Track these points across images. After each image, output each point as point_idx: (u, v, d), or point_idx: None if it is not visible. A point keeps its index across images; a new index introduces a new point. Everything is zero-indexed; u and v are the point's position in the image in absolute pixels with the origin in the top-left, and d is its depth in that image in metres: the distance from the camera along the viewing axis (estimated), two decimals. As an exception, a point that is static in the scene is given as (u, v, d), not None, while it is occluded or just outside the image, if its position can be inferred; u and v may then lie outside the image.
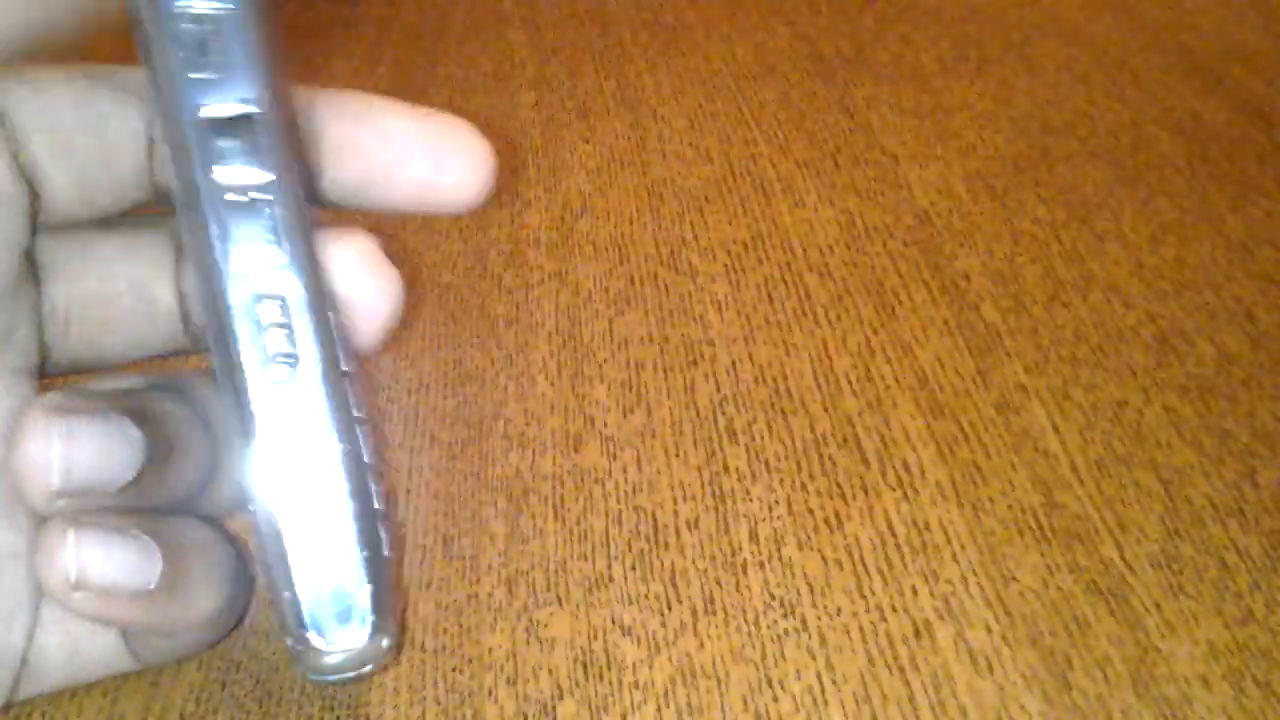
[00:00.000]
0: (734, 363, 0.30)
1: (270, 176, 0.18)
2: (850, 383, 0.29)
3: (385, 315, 0.20)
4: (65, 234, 0.20)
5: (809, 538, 0.25)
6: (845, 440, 0.27)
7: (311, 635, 0.19)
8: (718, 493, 0.26)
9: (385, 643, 0.19)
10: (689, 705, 0.22)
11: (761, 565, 0.24)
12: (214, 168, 0.18)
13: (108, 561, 0.18)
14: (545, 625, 0.23)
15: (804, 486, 0.26)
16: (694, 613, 0.23)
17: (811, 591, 0.24)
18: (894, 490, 0.26)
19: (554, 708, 0.22)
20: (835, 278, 0.33)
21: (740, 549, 0.25)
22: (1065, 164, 0.38)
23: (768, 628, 0.23)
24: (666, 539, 0.25)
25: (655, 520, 0.26)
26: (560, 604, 0.24)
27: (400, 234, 0.36)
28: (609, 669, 0.22)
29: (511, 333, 0.31)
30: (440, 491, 0.27)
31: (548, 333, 0.31)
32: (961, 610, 0.23)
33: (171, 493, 0.20)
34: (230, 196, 0.18)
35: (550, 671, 0.22)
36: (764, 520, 0.25)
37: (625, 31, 0.49)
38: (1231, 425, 0.27)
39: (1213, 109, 0.40)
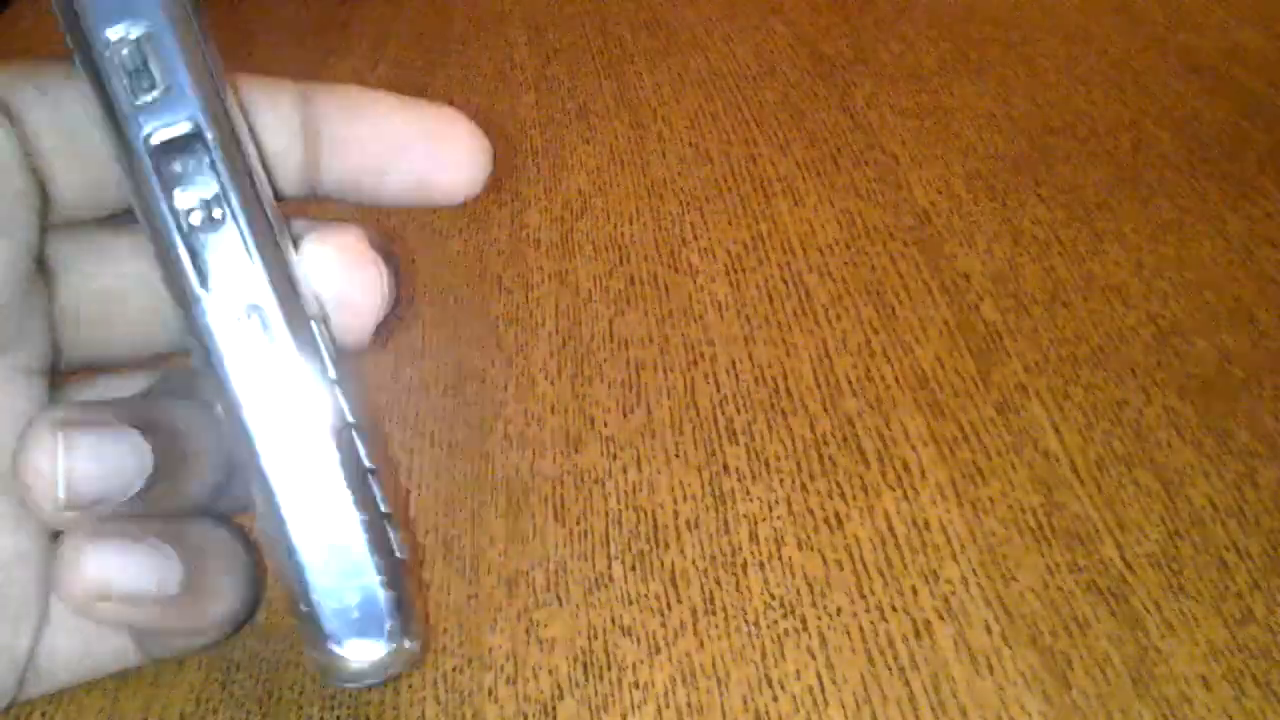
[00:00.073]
0: (734, 363, 0.30)
1: (229, 190, 0.18)
2: (850, 383, 0.29)
3: (369, 310, 0.20)
4: (74, 233, 0.20)
5: (809, 538, 0.25)
6: (845, 440, 0.27)
7: (334, 647, 0.19)
8: (718, 493, 0.26)
9: (409, 645, 0.19)
10: (689, 705, 0.22)
11: (761, 565, 0.24)
12: (173, 190, 0.18)
13: (128, 571, 0.19)
14: (545, 625, 0.23)
15: (804, 486, 0.26)
16: (694, 613, 0.23)
17: (811, 591, 0.24)
18: (894, 490, 0.26)
19: (554, 708, 0.22)
20: (835, 278, 0.33)
21: (740, 549, 0.25)
22: (1065, 164, 0.38)
23: (768, 628, 0.23)
24: (666, 539, 0.25)
25: (655, 520, 0.26)
26: (560, 604, 0.24)
27: (400, 234, 0.36)
28: (609, 669, 0.22)
29: (511, 333, 0.31)
30: (440, 491, 0.27)
31: (548, 333, 0.31)
32: (961, 610, 0.23)
33: (186, 497, 0.20)
34: (192, 218, 0.18)
35: (550, 671, 0.22)
36: (764, 520, 0.25)
37: (625, 31, 0.49)
38: (1231, 425, 0.27)
39: (1213, 109, 0.40)
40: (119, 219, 0.20)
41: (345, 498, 0.19)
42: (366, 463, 0.19)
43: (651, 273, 0.33)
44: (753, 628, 0.23)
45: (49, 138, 0.18)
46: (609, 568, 0.24)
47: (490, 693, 0.22)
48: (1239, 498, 0.25)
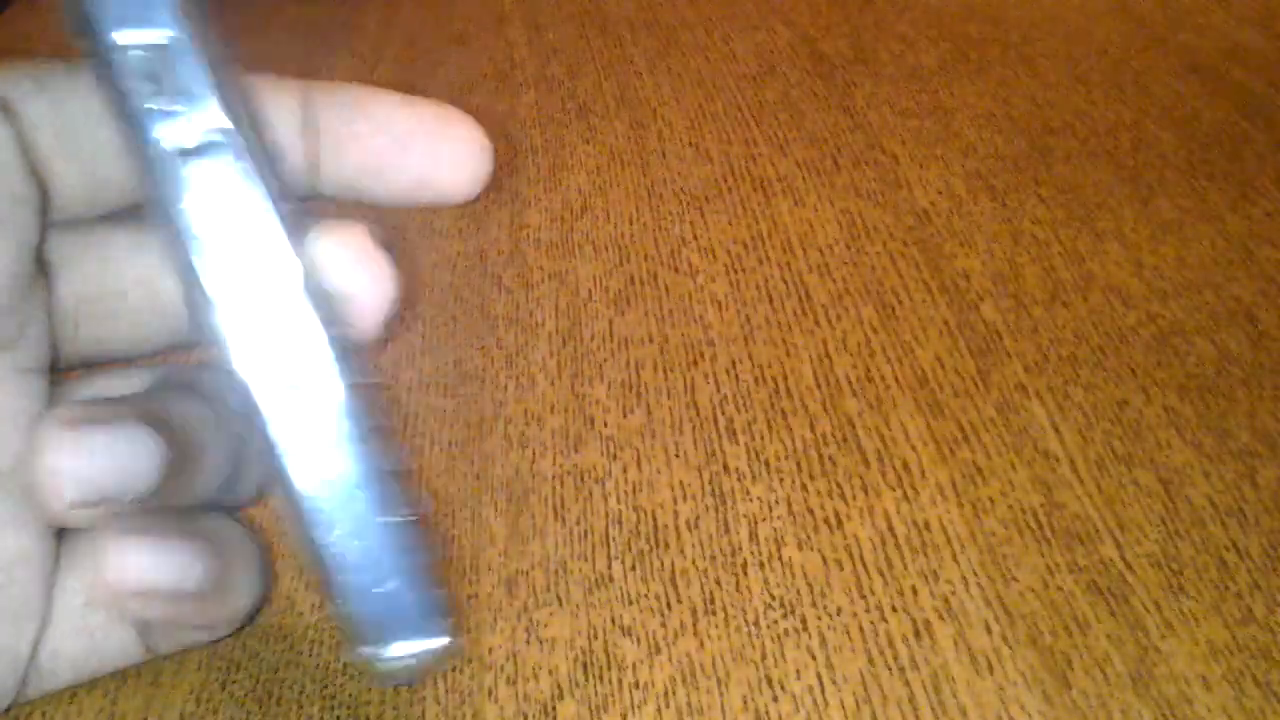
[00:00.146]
0: (734, 363, 0.30)
1: (250, 193, 0.18)
2: (850, 383, 0.29)
3: (378, 305, 0.20)
4: (73, 231, 0.20)
5: (809, 538, 0.25)
6: (845, 440, 0.27)
7: (371, 649, 0.19)
8: (718, 493, 0.26)
9: (443, 642, 0.19)
10: (689, 705, 0.22)
11: (761, 565, 0.24)
12: (192, 195, 0.18)
13: (162, 566, 0.19)
14: (545, 625, 0.23)
15: (804, 486, 0.26)
16: (694, 613, 0.23)
17: (811, 591, 0.24)
18: (894, 490, 0.26)
19: (554, 708, 0.22)
20: (835, 278, 0.33)
21: (740, 549, 0.25)
22: (1065, 164, 0.38)
23: (768, 628, 0.23)
24: (666, 539, 0.25)
25: (655, 520, 0.26)
26: (560, 604, 0.24)
27: (400, 234, 0.36)
28: (609, 669, 0.22)
29: (511, 333, 0.31)
30: (440, 491, 0.27)
31: (548, 333, 0.31)
32: (961, 610, 0.23)
33: (197, 492, 0.20)
34: (209, 220, 0.18)
35: (550, 671, 0.22)
36: (764, 520, 0.25)
37: (625, 31, 0.49)
38: (1231, 425, 0.27)
39: (1213, 109, 0.40)
40: (118, 218, 0.20)
41: (378, 501, 0.19)
42: (388, 465, 0.19)
43: (651, 272, 0.33)
44: (753, 628, 0.23)
45: (49, 137, 0.18)
46: (609, 568, 0.24)
47: (490, 693, 0.22)
48: (1239, 497, 0.25)
